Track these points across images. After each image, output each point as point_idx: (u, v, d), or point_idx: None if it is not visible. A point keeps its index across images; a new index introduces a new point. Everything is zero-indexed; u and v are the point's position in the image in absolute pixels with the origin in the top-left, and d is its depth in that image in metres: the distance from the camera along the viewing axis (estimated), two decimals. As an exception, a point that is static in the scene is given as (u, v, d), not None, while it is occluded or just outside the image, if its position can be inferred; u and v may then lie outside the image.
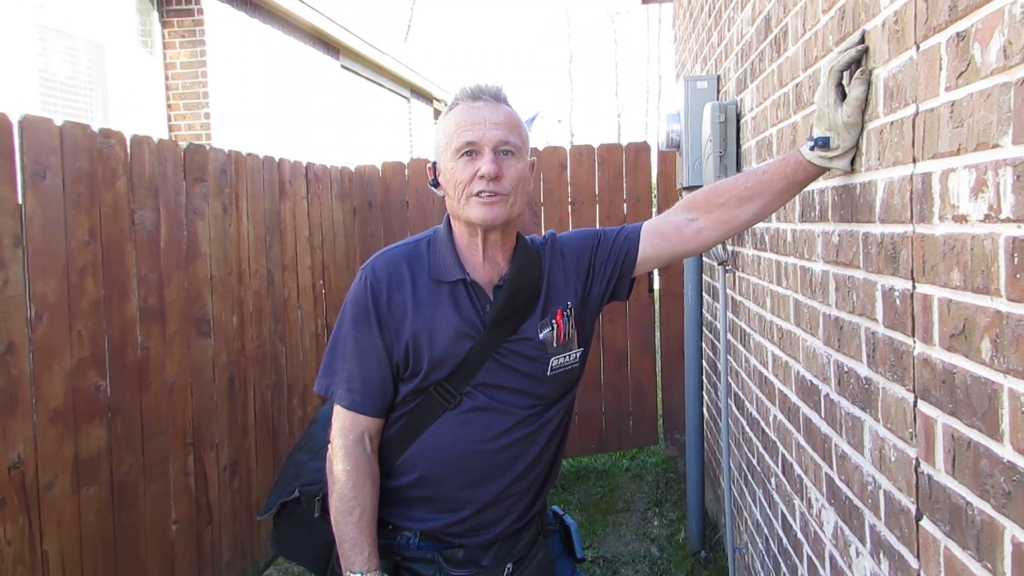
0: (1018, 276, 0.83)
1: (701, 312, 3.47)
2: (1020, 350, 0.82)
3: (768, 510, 2.23)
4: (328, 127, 8.33)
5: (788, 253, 1.91)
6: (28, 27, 4.75)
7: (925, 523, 1.09)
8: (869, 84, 1.29)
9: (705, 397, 3.68)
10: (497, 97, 1.44)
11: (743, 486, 2.66)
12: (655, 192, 4.80)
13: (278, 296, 3.74)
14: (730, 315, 2.87)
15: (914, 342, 1.12)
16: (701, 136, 2.91)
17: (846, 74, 1.34)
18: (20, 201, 2.15)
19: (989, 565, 0.90)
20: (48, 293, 2.24)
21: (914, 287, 1.11)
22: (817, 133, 1.38)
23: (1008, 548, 0.85)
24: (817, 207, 1.63)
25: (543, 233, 1.60)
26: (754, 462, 2.43)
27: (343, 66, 8.92)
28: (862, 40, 1.32)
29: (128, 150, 2.66)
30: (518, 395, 1.45)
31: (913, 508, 1.13)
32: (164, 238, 2.84)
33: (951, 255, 0.99)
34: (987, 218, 0.90)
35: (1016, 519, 0.83)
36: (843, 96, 1.33)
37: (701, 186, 2.94)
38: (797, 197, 1.78)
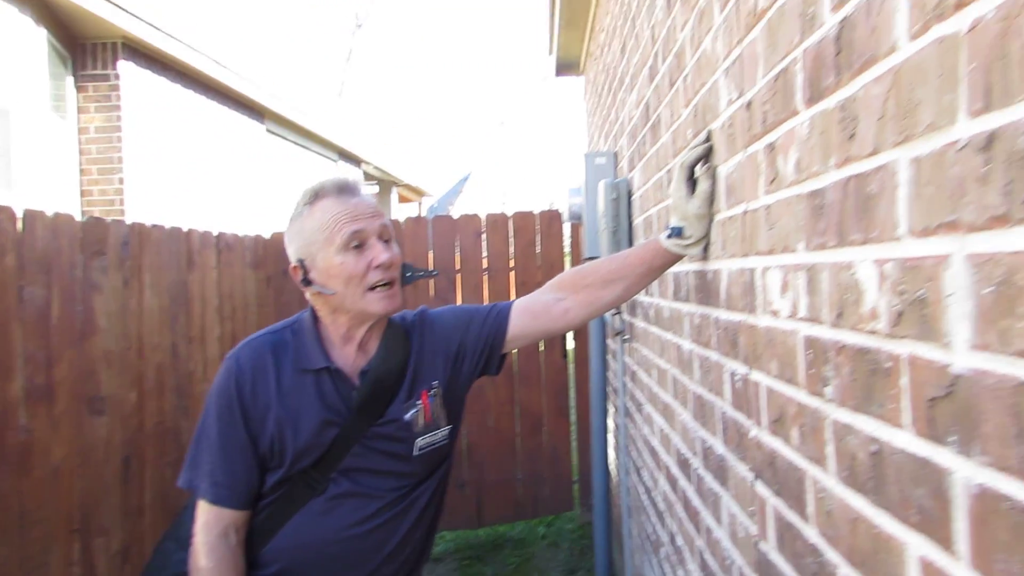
0: (811, 371, 0.90)
1: (605, 377, 3.54)
2: (811, 441, 0.89)
3: (662, 579, 2.27)
4: (253, 192, 8.28)
5: (666, 328, 1.99)
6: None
7: (766, 600, 1.14)
8: (714, 179, 1.39)
9: (611, 462, 3.73)
10: (359, 187, 1.47)
11: (643, 554, 2.69)
12: (568, 258, 4.92)
13: (183, 369, 3.65)
14: (628, 383, 2.94)
15: (751, 424, 1.18)
16: (597, 210, 3.02)
17: (697, 168, 1.44)
18: None
19: (808, 643, 0.95)
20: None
21: (749, 372, 1.19)
22: (672, 223, 1.47)
23: (819, 627, 0.90)
24: (684, 288, 1.72)
25: (415, 310, 1.63)
26: (648, 531, 2.47)
27: (269, 130, 8.93)
28: (708, 139, 1.42)
29: (19, 225, 2.61)
30: (384, 477, 1.46)
31: (756, 584, 1.18)
32: (56, 314, 2.76)
33: (770, 347, 1.07)
34: (791, 315, 0.98)
35: (823, 600, 0.89)
36: (693, 189, 1.42)
37: (599, 257, 3.04)
38: (670, 277, 1.87)
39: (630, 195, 2.70)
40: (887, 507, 0.72)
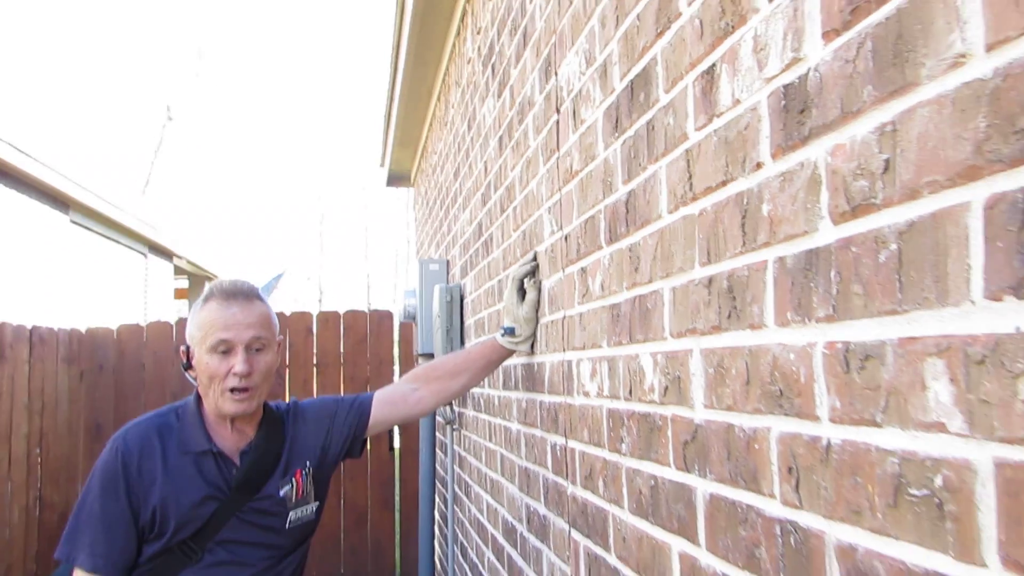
0: (611, 434, 1.24)
1: (434, 467, 3.77)
2: (612, 487, 1.22)
3: (488, 649, 2.48)
4: (56, 285, 7.78)
5: (496, 414, 2.30)
6: None
7: (580, 627, 1.43)
8: (540, 290, 1.75)
9: (437, 548, 3.91)
10: (250, 296, 1.64)
11: (470, 631, 2.88)
12: (397, 355, 5.15)
13: (-15, 467, 3.44)
14: (456, 469, 3.20)
15: (568, 484, 1.50)
16: (432, 311, 3.33)
17: (526, 280, 1.80)
18: None
19: (612, 648, 1.24)
20: None
21: (567, 442, 1.51)
22: (505, 324, 1.80)
23: (620, 632, 1.20)
24: (513, 379, 2.05)
25: (287, 398, 1.83)
26: (477, 605, 2.69)
27: (73, 221, 8.50)
28: (535, 258, 1.78)
29: None
30: (257, 548, 1.61)
31: (573, 617, 1.47)
32: None
33: (583, 419, 1.40)
34: (598, 394, 1.32)
35: (622, 608, 1.19)
36: (523, 297, 1.77)
37: (432, 354, 3.33)
38: (500, 370, 2.19)
39: (463, 299, 3.04)
40: (660, 523, 1.05)
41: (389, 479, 4.80)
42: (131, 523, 1.53)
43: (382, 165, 5.93)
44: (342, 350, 4.81)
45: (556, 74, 1.61)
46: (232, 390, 1.56)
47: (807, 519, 0.71)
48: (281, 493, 1.64)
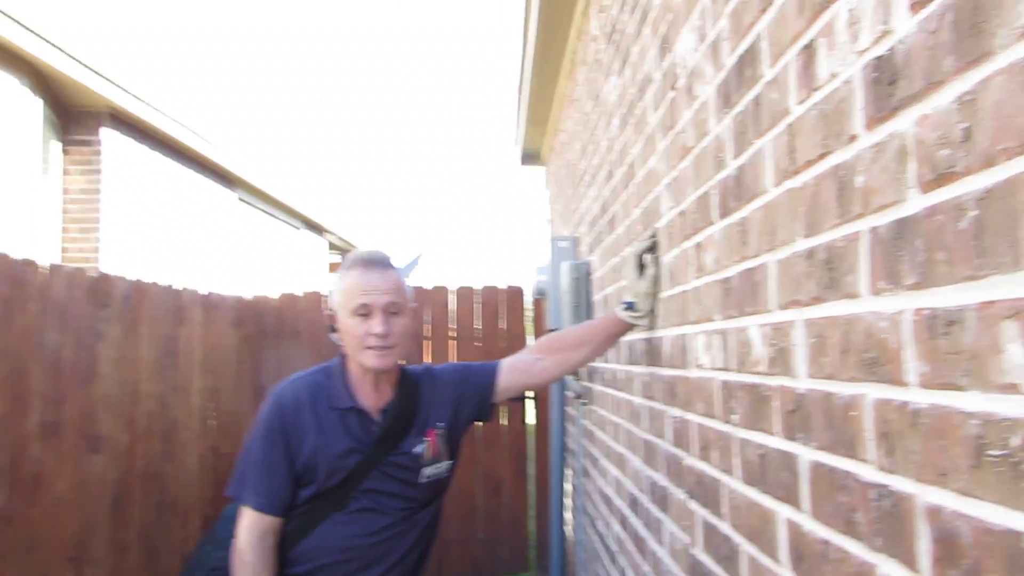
0: (724, 406, 1.27)
1: (564, 441, 3.87)
2: (725, 458, 1.25)
3: (616, 615, 2.56)
4: (224, 256, 8.51)
5: (620, 389, 2.35)
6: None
7: (697, 592, 1.47)
8: (659, 266, 1.78)
9: (568, 518, 4.01)
10: (386, 265, 1.79)
11: (600, 598, 2.97)
12: (530, 329, 5.28)
13: (169, 417, 3.87)
14: (585, 442, 3.27)
15: (685, 455, 1.54)
16: (561, 287, 3.40)
17: (646, 256, 1.83)
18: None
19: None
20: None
21: (684, 414, 1.55)
22: (626, 299, 1.85)
23: (731, 595, 1.24)
24: (635, 353, 2.09)
25: (421, 366, 1.98)
26: (601, 574, 2.77)
27: (240, 199, 9.24)
28: (654, 235, 1.81)
29: (42, 277, 2.88)
30: (395, 499, 1.77)
31: (690, 581, 1.52)
32: (67, 358, 3.01)
33: (698, 392, 1.43)
34: (711, 367, 1.35)
35: (734, 575, 1.23)
36: (643, 273, 1.81)
37: (562, 328, 3.41)
38: (624, 345, 2.24)
39: (589, 275, 3.09)
40: (767, 491, 1.07)
41: (523, 451, 4.95)
42: (288, 468, 1.72)
43: (516, 144, 6.06)
44: (477, 324, 5.00)
45: (672, 51, 1.63)
46: (371, 347, 1.71)
47: (899, 483, 0.73)
48: (416, 450, 1.79)
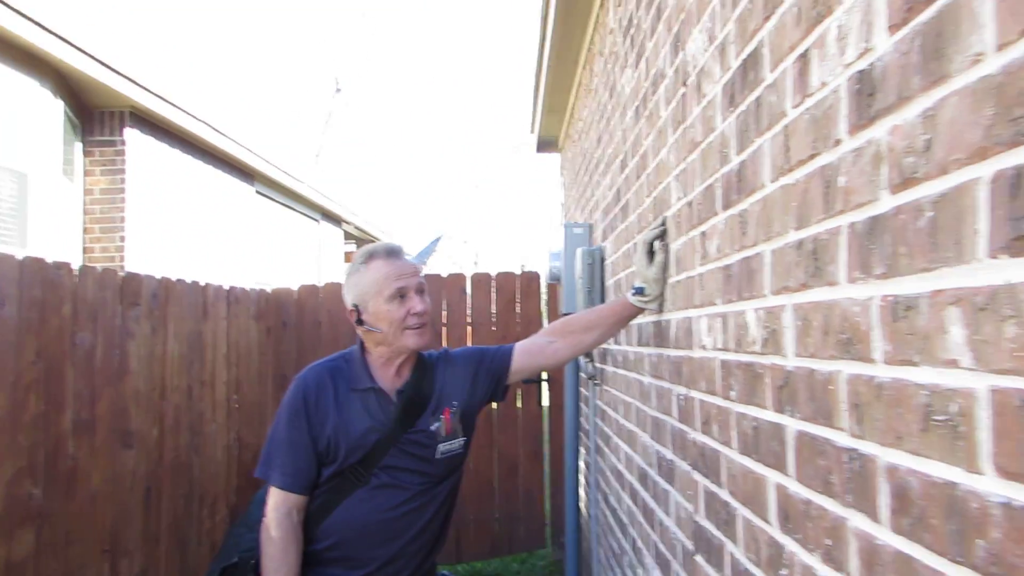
0: (723, 383, 1.37)
1: (578, 421, 3.98)
2: (724, 431, 1.36)
3: (625, 586, 2.68)
4: (243, 249, 8.68)
5: (631, 369, 2.46)
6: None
7: (698, 557, 1.58)
8: (667, 253, 1.88)
9: (582, 495, 4.14)
10: (403, 252, 1.95)
11: (608, 572, 3.09)
12: (545, 313, 5.39)
13: (195, 410, 4.02)
14: (598, 422, 3.39)
15: (690, 430, 1.64)
16: (575, 272, 3.51)
17: (655, 243, 1.93)
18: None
19: (722, 573, 1.39)
20: (-2, 408, 2.52)
21: (689, 392, 1.65)
22: (636, 284, 1.95)
23: (728, 559, 1.35)
24: (644, 336, 2.19)
25: (438, 350, 2.11)
26: (614, 546, 2.89)
27: (258, 192, 9.38)
28: (663, 224, 1.91)
29: (74, 279, 3.01)
30: (413, 474, 1.89)
31: (692, 547, 1.63)
32: (99, 357, 3.15)
33: (701, 371, 1.54)
34: (713, 347, 1.45)
35: (732, 537, 1.34)
36: (652, 259, 1.91)
37: (575, 312, 3.51)
38: (635, 328, 2.34)
39: (603, 261, 3.19)
40: (760, 459, 1.18)
41: (538, 433, 5.07)
42: (311, 448, 1.83)
43: (532, 131, 6.14)
44: (493, 309, 5.11)
45: (684, 49, 1.72)
46: (412, 327, 1.84)
47: (866, 447, 0.83)
48: (432, 428, 1.91)
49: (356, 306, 1.90)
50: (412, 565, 1.90)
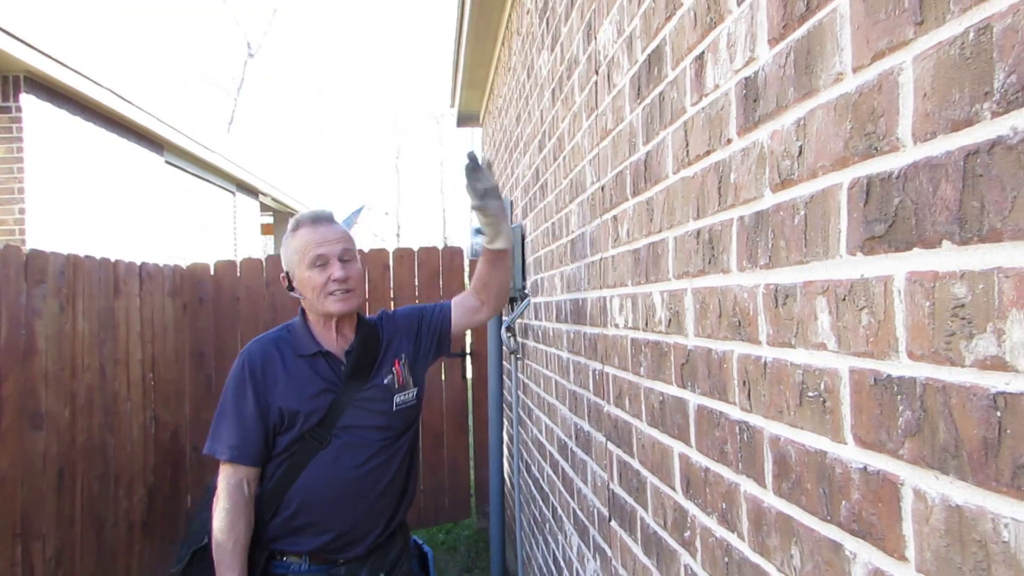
0: (634, 360, 1.46)
1: (502, 393, 4.07)
2: (635, 404, 1.45)
3: (545, 551, 2.79)
4: (154, 222, 8.38)
5: (551, 344, 2.54)
6: None
7: (613, 523, 1.69)
8: (477, 177, 2.00)
9: (505, 466, 4.25)
10: (331, 219, 1.99)
11: (531, 539, 3.21)
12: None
13: (109, 389, 3.92)
14: (520, 395, 3.48)
15: (604, 403, 1.74)
16: (497, 250, 3.56)
17: (468, 173, 2.01)
18: None
19: (634, 537, 1.49)
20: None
21: (603, 367, 1.74)
22: (474, 226, 2.07)
23: (639, 524, 1.45)
24: (563, 313, 2.28)
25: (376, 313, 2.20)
26: (536, 515, 3.00)
27: (168, 162, 9.05)
28: (471, 152, 2.00)
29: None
30: (372, 431, 1.93)
31: (607, 513, 1.73)
32: (4, 336, 3.04)
33: (614, 348, 1.63)
34: (624, 326, 1.54)
35: (643, 503, 1.43)
36: (475, 185, 2.00)
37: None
38: (553, 304, 2.42)
39: (524, 238, 3.26)
40: (666, 431, 1.27)
41: (463, 405, 5.15)
42: (259, 420, 1.85)
43: (452, 106, 6.13)
44: (416, 283, 5.13)
45: (595, 38, 1.78)
46: (333, 293, 1.88)
47: (754, 419, 0.92)
48: (385, 381, 1.97)
49: (287, 274, 1.97)
50: (382, 522, 1.95)
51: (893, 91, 0.64)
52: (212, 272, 5.04)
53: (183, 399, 4.85)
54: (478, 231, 2.06)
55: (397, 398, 1.99)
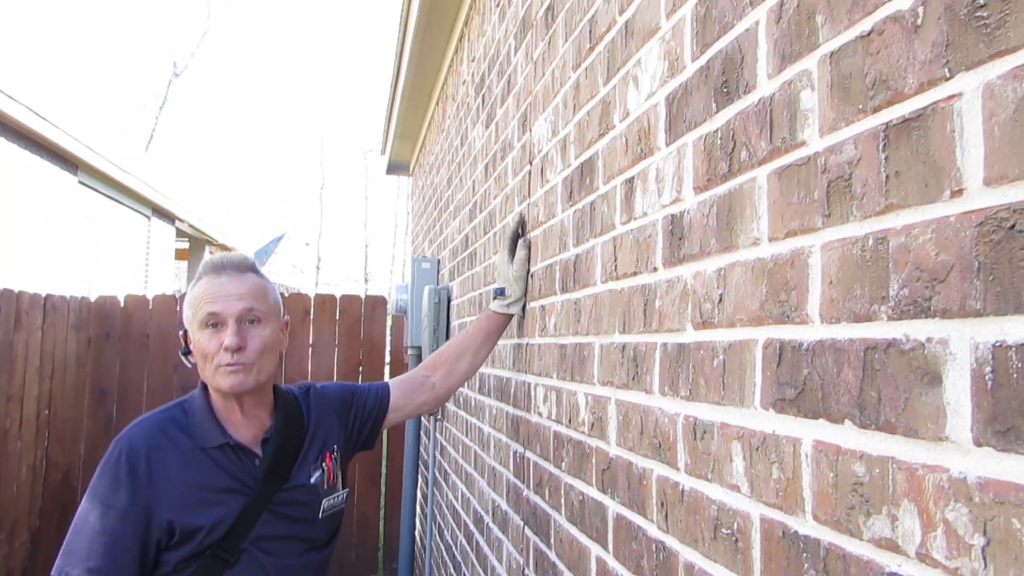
0: (556, 453, 1.50)
1: (418, 450, 4.05)
2: (555, 496, 1.48)
3: (458, 620, 2.77)
4: (63, 245, 8.01)
5: (473, 414, 2.56)
6: None
7: (527, 607, 1.70)
8: (529, 249, 1.84)
9: (418, 525, 4.20)
10: (241, 268, 1.52)
11: (444, 603, 3.17)
12: (388, 341, 5.41)
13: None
14: (438, 455, 3.47)
15: (524, 487, 1.76)
16: (422, 309, 3.58)
17: (519, 240, 1.87)
18: None
19: (548, 626, 1.51)
20: None
21: (525, 452, 1.77)
22: (496, 285, 1.91)
23: (554, 613, 1.47)
24: (487, 386, 2.30)
25: (282, 380, 1.71)
26: (450, 581, 2.98)
27: (81, 182, 8.70)
28: (522, 215, 1.89)
29: None
30: (292, 543, 1.52)
31: (522, 598, 1.74)
32: None
33: (537, 435, 1.66)
34: (548, 417, 1.57)
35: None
36: (513, 257, 1.85)
37: (420, 347, 3.58)
38: (477, 377, 2.45)
39: (450, 301, 3.29)
40: (584, 531, 1.31)
41: (376, 457, 5.08)
42: (135, 534, 1.38)
43: (383, 153, 6.15)
44: (336, 331, 5.07)
45: (531, 130, 1.85)
46: (225, 364, 1.44)
47: (670, 541, 0.97)
48: (312, 480, 1.55)
49: (184, 332, 1.53)
50: None
51: (804, 270, 0.70)
52: (122, 306, 4.86)
53: (79, 438, 4.62)
54: (500, 291, 1.82)
55: (325, 502, 1.57)
